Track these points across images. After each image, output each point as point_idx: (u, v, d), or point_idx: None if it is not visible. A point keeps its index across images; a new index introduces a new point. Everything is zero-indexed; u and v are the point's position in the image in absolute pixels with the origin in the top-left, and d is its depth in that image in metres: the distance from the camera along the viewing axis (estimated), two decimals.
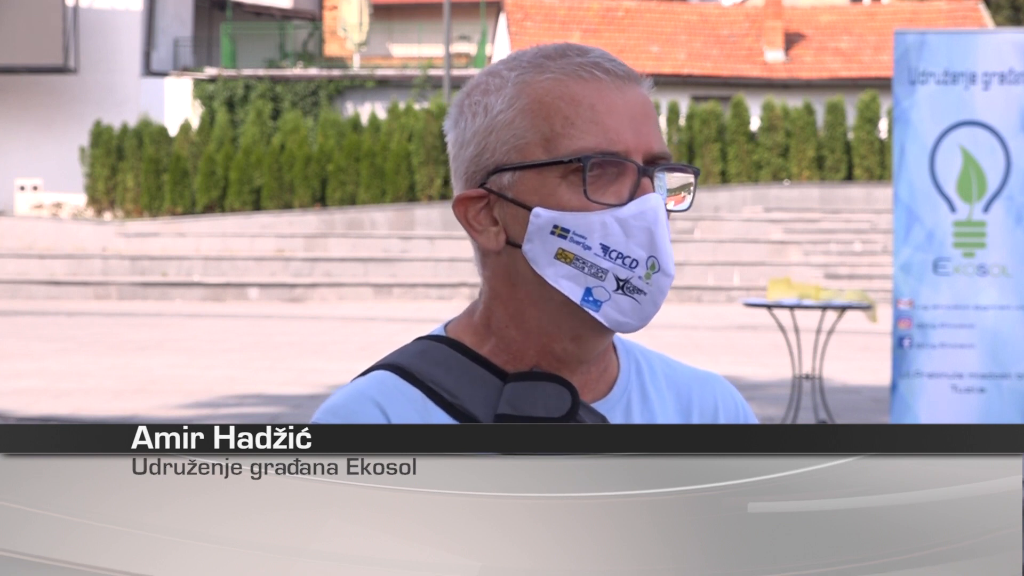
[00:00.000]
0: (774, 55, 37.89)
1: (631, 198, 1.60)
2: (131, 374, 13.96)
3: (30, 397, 11.97)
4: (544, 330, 1.66)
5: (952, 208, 8.11)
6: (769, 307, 9.62)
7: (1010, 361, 8.06)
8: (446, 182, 29.73)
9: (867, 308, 9.36)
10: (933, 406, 8.10)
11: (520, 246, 1.63)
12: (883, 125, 30.79)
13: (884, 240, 26.82)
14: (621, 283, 1.61)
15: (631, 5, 40.09)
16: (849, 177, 31.10)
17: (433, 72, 37.76)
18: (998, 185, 8.07)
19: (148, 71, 35.52)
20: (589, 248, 1.60)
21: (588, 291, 1.62)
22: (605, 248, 1.60)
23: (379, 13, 41.17)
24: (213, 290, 26.19)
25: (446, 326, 1.74)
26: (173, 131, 32.30)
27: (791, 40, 38.42)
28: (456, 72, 39.80)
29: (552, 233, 1.61)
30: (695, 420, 1.78)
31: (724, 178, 31.03)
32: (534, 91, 1.63)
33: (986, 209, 8.09)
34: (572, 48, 1.66)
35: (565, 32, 38.94)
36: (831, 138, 31.02)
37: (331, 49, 40.49)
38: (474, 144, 1.66)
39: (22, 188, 34.23)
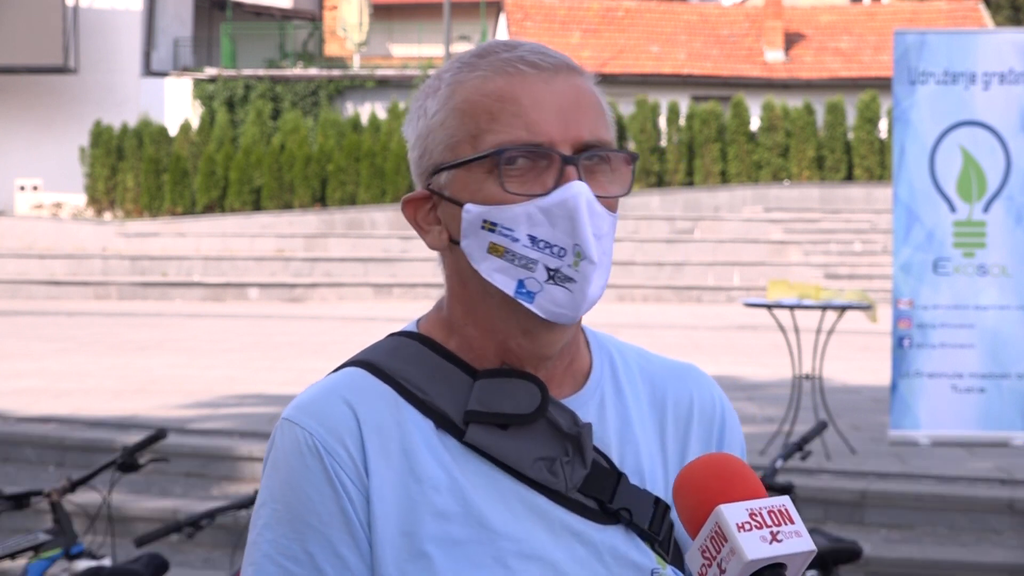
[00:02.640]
0: (774, 55, 37.88)
1: (555, 187, 1.61)
2: (131, 374, 13.95)
3: (30, 397, 11.97)
4: (496, 326, 1.66)
5: (952, 208, 8.11)
6: (769, 307, 9.61)
7: (1010, 361, 8.06)
8: None
9: (867, 308, 9.36)
10: (933, 406, 8.11)
11: (459, 243, 1.66)
12: (883, 125, 30.78)
13: (884, 240, 26.81)
14: (552, 273, 1.61)
15: (631, 5, 40.08)
16: (849, 177, 31.09)
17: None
18: (998, 185, 8.07)
19: (148, 71, 35.50)
20: (517, 240, 1.61)
21: (521, 283, 1.62)
22: (533, 239, 1.61)
23: (379, 13, 41.16)
24: (213, 290, 26.19)
25: (419, 322, 1.75)
26: (173, 131, 32.29)
27: (791, 40, 38.41)
28: None
29: (483, 228, 1.63)
30: (669, 415, 1.76)
31: (724, 178, 31.02)
32: (464, 90, 1.66)
33: (986, 209, 8.09)
34: (502, 44, 1.68)
35: (565, 32, 38.94)
36: (831, 138, 31.01)
37: (331, 49, 40.49)
38: (418, 147, 1.69)
39: (22, 188, 34.22)
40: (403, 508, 1.61)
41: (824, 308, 9.46)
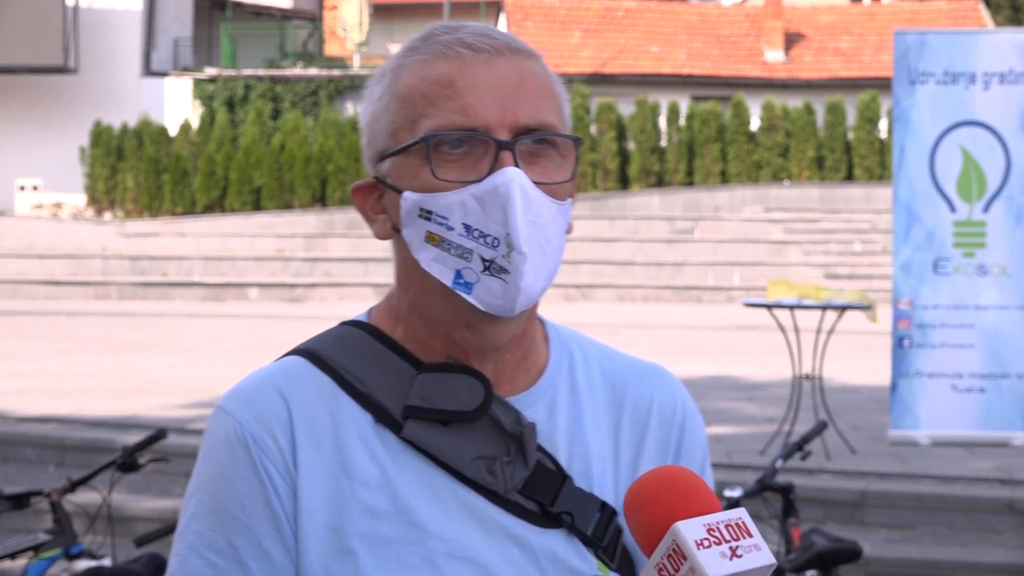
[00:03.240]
0: (774, 55, 37.87)
1: (490, 174, 1.55)
2: (131, 374, 13.95)
3: (30, 397, 11.97)
4: (440, 318, 1.61)
5: (952, 208, 8.11)
6: (769, 307, 9.61)
7: (1010, 361, 8.06)
8: None
9: (867, 308, 9.36)
10: (933, 406, 8.10)
11: (401, 232, 1.62)
12: (883, 125, 30.77)
13: (884, 240, 26.81)
14: (487, 263, 1.55)
15: (631, 5, 40.08)
16: (849, 177, 31.09)
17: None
18: (998, 185, 8.07)
19: (148, 71, 35.50)
20: (452, 228, 1.56)
21: (458, 273, 1.57)
22: (467, 227, 1.56)
23: (379, 13, 41.17)
24: (213, 290, 26.19)
25: (370, 311, 1.70)
26: (173, 131, 32.29)
27: (791, 40, 38.41)
28: None
29: (420, 216, 1.58)
30: (626, 415, 1.70)
31: (724, 178, 31.02)
32: (405, 75, 1.61)
33: (986, 209, 8.09)
34: (444, 27, 1.63)
35: (565, 32, 38.94)
36: (831, 138, 31.01)
37: (331, 49, 40.48)
38: (366, 133, 1.66)
39: (22, 188, 34.22)
40: (332, 503, 1.56)
41: (824, 308, 9.46)
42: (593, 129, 30.94)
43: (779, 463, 5.67)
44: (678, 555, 1.41)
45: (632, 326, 20.45)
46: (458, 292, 1.57)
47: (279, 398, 1.60)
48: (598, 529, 1.62)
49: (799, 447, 5.73)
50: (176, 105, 34.98)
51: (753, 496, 5.53)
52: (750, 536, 1.43)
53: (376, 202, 1.66)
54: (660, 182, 30.87)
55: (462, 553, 1.56)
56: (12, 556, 5.15)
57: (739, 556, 1.41)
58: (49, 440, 10.05)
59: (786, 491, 5.57)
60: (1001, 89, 8.07)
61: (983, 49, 8.12)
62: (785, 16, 38.66)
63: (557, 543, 1.60)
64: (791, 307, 9.41)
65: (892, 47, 8.14)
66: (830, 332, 9.62)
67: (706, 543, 1.41)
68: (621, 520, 1.63)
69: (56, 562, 5.16)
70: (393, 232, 1.64)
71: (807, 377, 9.55)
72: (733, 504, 5.39)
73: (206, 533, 1.58)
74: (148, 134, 31.40)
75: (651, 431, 1.71)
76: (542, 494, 1.60)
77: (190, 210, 30.30)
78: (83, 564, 5.08)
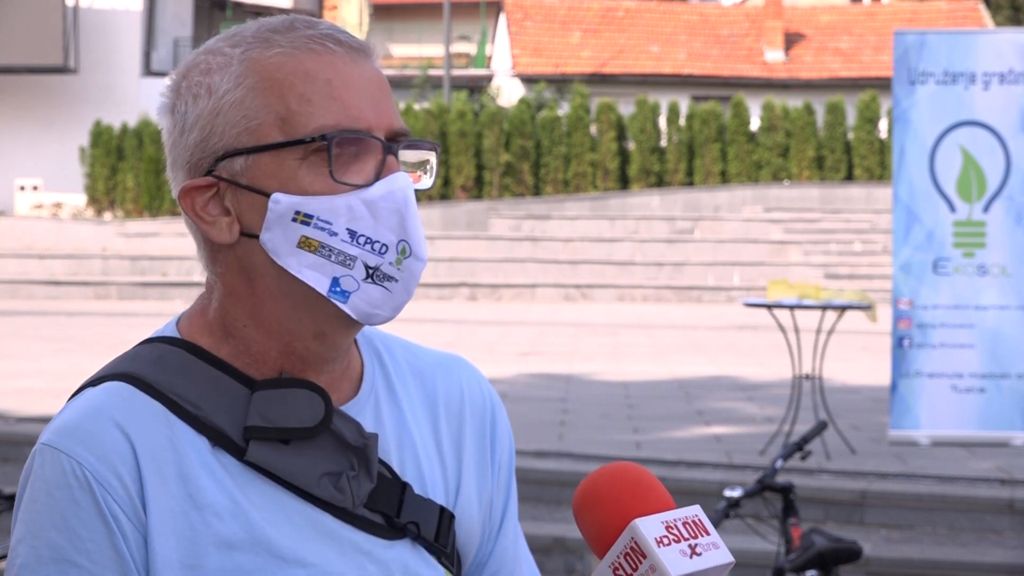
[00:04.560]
0: (774, 55, 37.88)
1: (377, 178, 1.49)
2: None
3: (30, 397, 11.97)
4: (285, 328, 1.52)
5: (952, 208, 8.11)
6: (769, 307, 9.61)
7: (1010, 361, 8.06)
8: (446, 182, 29.75)
9: (867, 308, 9.36)
10: (933, 406, 8.11)
11: (257, 236, 1.49)
12: (883, 125, 30.77)
13: (884, 240, 26.81)
14: (371, 271, 1.48)
15: (631, 5, 40.08)
16: (849, 177, 31.09)
17: (433, 72, 37.77)
18: (998, 185, 8.07)
19: (148, 71, 35.51)
20: (335, 234, 1.47)
21: (335, 281, 1.48)
22: (352, 233, 1.48)
23: (379, 13, 41.17)
24: None
25: (178, 324, 1.59)
26: None
27: (791, 40, 38.42)
28: (456, 72, 39.82)
29: (294, 220, 1.48)
30: (441, 410, 1.65)
31: (724, 178, 31.02)
32: (264, 68, 1.51)
33: (986, 209, 8.09)
34: (299, 20, 1.54)
35: (565, 32, 38.95)
36: (831, 138, 31.01)
37: None
38: (198, 129, 1.52)
39: (22, 188, 34.22)
40: (184, 540, 1.46)
41: (824, 308, 9.46)
42: (593, 129, 30.94)
43: (779, 463, 5.67)
44: (636, 553, 1.39)
45: (632, 326, 20.45)
46: (332, 300, 1.49)
47: (118, 431, 1.47)
48: (440, 536, 1.59)
49: (799, 447, 5.73)
50: None
51: (753, 496, 5.53)
52: (708, 534, 1.41)
53: (210, 203, 1.52)
54: (660, 182, 30.87)
55: None
56: None
57: (698, 554, 1.39)
58: None
59: (786, 491, 5.57)
60: (1001, 89, 8.07)
61: (983, 49, 8.12)
62: (785, 16, 38.68)
63: (406, 555, 1.56)
64: (791, 307, 9.41)
65: (892, 47, 8.14)
66: (830, 332, 9.62)
67: (665, 541, 1.39)
68: (457, 525, 1.62)
69: None
70: (240, 236, 1.51)
71: (807, 377, 9.55)
72: (734, 504, 5.40)
73: None
74: (148, 134, 31.41)
75: (467, 424, 1.67)
76: (387, 505, 1.56)
77: None
78: None
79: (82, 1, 34.75)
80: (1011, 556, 7.87)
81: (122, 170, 31.45)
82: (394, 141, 1.52)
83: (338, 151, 1.48)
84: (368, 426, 1.57)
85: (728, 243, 27.67)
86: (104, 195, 31.76)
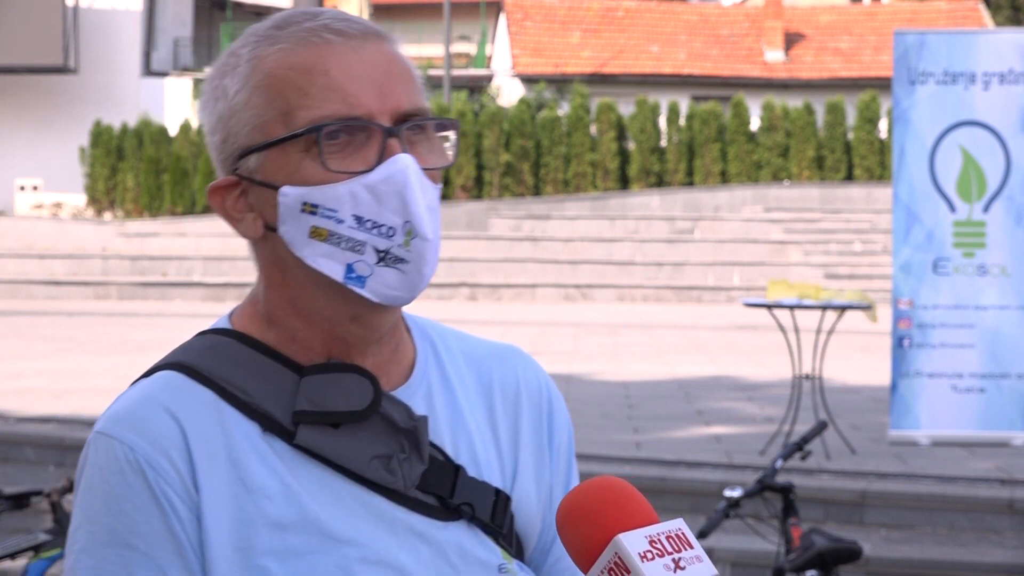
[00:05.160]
0: (774, 55, 37.88)
1: (379, 162, 1.51)
2: (131, 374, 13.94)
3: (30, 397, 11.97)
4: (323, 315, 1.56)
5: (952, 208, 8.11)
6: (769, 307, 9.61)
7: (1010, 361, 8.06)
8: (446, 182, 29.75)
9: (867, 308, 9.36)
10: (933, 406, 8.10)
11: (277, 230, 1.54)
12: (883, 125, 30.78)
13: (884, 240, 26.81)
14: (382, 254, 1.51)
15: (631, 5, 40.08)
16: (849, 177, 31.10)
17: (433, 72, 37.74)
18: (998, 185, 8.07)
19: (148, 71, 35.51)
20: (342, 221, 1.51)
21: (350, 267, 1.52)
22: (359, 219, 1.51)
23: (379, 13, 41.17)
24: (213, 290, 26.19)
25: (231, 316, 1.63)
26: (173, 131, 32.29)
27: (791, 40, 38.42)
28: (456, 72, 39.81)
29: (302, 211, 1.52)
30: (496, 399, 1.68)
31: (724, 178, 31.02)
32: (266, 65, 1.54)
33: (986, 209, 8.09)
34: (302, 13, 1.57)
35: (565, 32, 38.95)
36: (831, 138, 31.02)
37: None
38: (220, 130, 1.57)
39: (22, 188, 34.23)
40: (236, 522, 1.49)
41: (824, 308, 9.46)
42: (593, 129, 30.95)
43: (779, 463, 5.67)
44: (620, 568, 1.38)
45: (632, 326, 20.45)
46: (349, 286, 1.52)
47: (168, 417, 1.51)
48: (495, 517, 1.60)
49: (799, 447, 5.73)
50: (176, 105, 34.99)
51: (753, 496, 5.53)
52: (691, 547, 1.41)
53: (236, 201, 1.57)
54: (660, 182, 30.88)
55: (375, 557, 1.52)
56: (12, 556, 5.16)
57: (682, 568, 1.39)
58: (49, 440, 10.06)
59: (786, 491, 5.57)
60: (1001, 89, 8.07)
61: (983, 49, 8.12)
62: (785, 16, 38.68)
63: (462, 536, 1.58)
64: (791, 307, 9.41)
65: (892, 47, 8.14)
66: (830, 332, 9.62)
67: (649, 555, 1.38)
68: (514, 506, 1.63)
69: (56, 562, 5.17)
70: (264, 230, 1.56)
71: (807, 377, 9.55)
72: (734, 504, 5.40)
73: (102, 567, 1.49)
74: (148, 134, 31.41)
75: (524, 411, 1.69)
76: (440, 487, 1.57)
77: (190, 210, 30.31)
78: None
79: (82, 1, 34.75)
80: (1011, 556, 7.87)
81: (122, 170, 31.45)
82: (403, 123, 1.53)
83: (340, 140, 1.51)
84: (419, 411, 1.59)
85: (728, 243, 27.67)
86: (104, 195, 31.76)
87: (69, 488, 5.15)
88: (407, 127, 1.53)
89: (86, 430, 10.34)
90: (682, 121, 31.29)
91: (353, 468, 1.53)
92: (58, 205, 32.72)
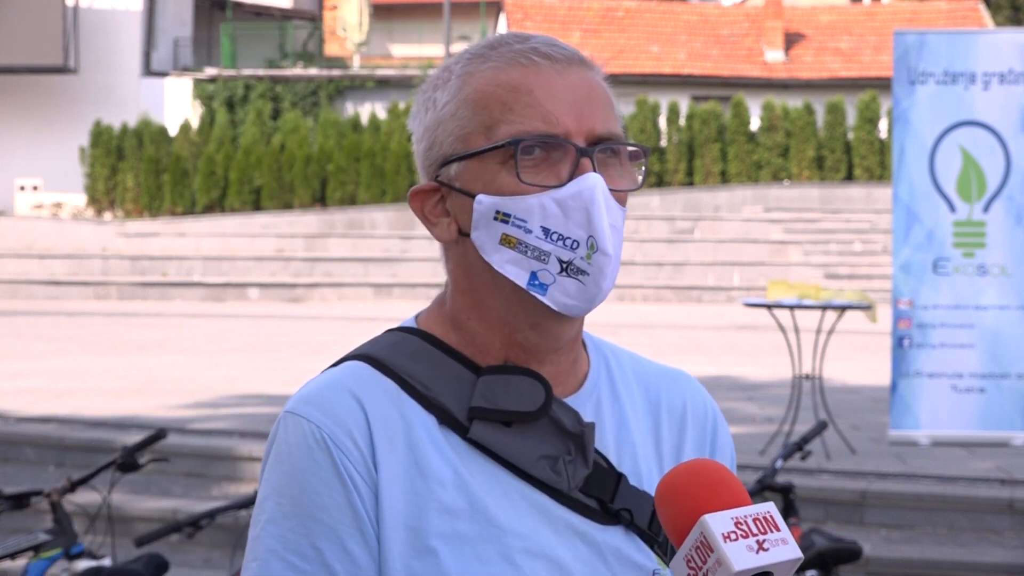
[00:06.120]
0: (774, 55, 37.88)
1: (570, 179, 1.61)
2: (131, 374, 13.95)
3: (30, 397, 11.97)
4: (504, 320, 1.65)
5: (952, 208, 8.11)
6: (769, 307, 9.61)
7: (1010, 361, 8.06)
8: None
9: (867, 308, 9.36)
10: (933, 406, 8.11)
11: (469, 235, 1.64)
12: (883, 125, 30.78)
13: (884, 240, 26.81)
14: (564, 265, 1.61)
15: (631, 5, 40.09)
16: (849, 177, 31.10)
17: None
18: (998, 185, 8.08)
19: (148, 71, 35.50)
20: (531, 231, 1.61)
21: (533, 275, 1.62)
22: (546, 230, 1.61)
23: (379, 13, 41.17)
24: (213, 290, 26.19)
25: (417, 317, 1.73)
26: (173, 131, 32.29)
27: (791, 40, 38.41)
28: None
29: (495, 219, 1.62)
30: (663, 419, 1.76)
31: (724, 178, 31.02)
32: (476, 81, 1.65)
33: (986, 209, 8.09)
34: (514, 36, 1.68)
35: (565, 32, 38.93)
36: (831, 138, 31.02)
37: (331, 49, 40.48)
38: (426, 139, 1.68)
39: (22, 188, 34.22)
40: (409, 503, 1.60)
41: (824, 308, 9.46)
42: None
43: (779, 463, 5.68)
44: (705, 547, 1.44)
45: (632, 326, 20.45)
46: (532, 293, 1.62)
47: (353, 400, 1.62)
48: (652, 524, 1.67)
49: (799, 447, 5.73)
50: (176, 105, 34.98)
51: (753, 496, 5.53)
52: (777, 530, 1.46)
53: (435, 206, 1.68)
54: (660, 182, 30.88)
55: (536, 549, 1.61)
56: (12, 556, 5.15)
57: (765, 549, 1.44)
58: (49, 440, 10.05)
59: (786, 491, 5.58)
60: (1001, 89, 8.07)
61: (983, 49, 8.12)
62: (785, 16, 38.67)
63: (619, 539, 1.66)
64: (791, 307, 9.41)
65: (892, 47, 8.14)
66: (830, 332, 9.62)
67: (733, 536, 1.44)
68: None
69: (56, 562, 5.17)
70: (457, 235, 1.66)
71: (807, 377, 9.55)
72: None
73: (287, 536, 1.60)
74: (148, 134, 31.41)
75: (688, 432, 1.77)
76: (601, 492, 1.66)
77: (190, 210, 30.31)
78: (83, 564, 5.08)
79: (82, 1, 34.74)
80: (1011, 556, 7.87)
81: (122, 170, 31.45)
82: (597, 144, 1.63)
83: (537, 155, 1.61)
84: (588, 418, 1.68)
85: (728, 243, 27.67)
86: (104, 195, 31.76)
87: (69, 488, 5.15)
88: (599, 149, 1.63)
89: (86, 430, 10.34)
90: (682, 121, 31.29)
91: (521, 465, 1.63)
92: (58, 205, 32.72)
